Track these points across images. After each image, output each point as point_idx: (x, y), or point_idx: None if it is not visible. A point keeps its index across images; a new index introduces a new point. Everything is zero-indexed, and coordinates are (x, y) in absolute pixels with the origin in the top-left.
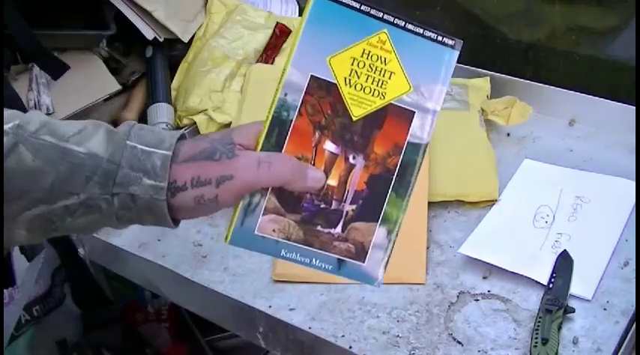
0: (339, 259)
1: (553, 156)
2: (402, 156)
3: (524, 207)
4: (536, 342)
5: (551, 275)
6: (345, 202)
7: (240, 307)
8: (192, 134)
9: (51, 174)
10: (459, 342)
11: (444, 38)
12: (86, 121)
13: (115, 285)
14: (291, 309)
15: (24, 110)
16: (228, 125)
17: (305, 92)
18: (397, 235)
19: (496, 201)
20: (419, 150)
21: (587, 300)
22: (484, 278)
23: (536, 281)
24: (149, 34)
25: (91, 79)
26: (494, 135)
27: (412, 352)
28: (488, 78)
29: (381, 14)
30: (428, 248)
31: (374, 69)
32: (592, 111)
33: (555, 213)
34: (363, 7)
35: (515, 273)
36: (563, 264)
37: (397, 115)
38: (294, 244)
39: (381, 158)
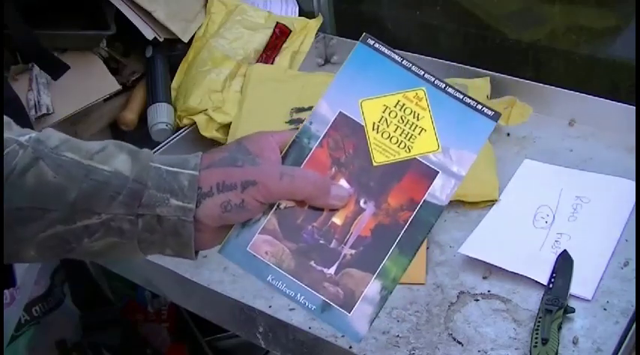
0: (324, 301)
1: (553, 156)
2: (415, 213)
3: (524, 207)
4: (536, 342)
5: (551, 275)
6: (345, 244)
7: (240, 307)
8: (192, 134)
9: (73, 191)
10: (459, 342)
11: (484, 108)
12: (106, 141)
13: (115, 285)
14: (291, 309)
15: (23, 110)
16: (228, 125)
17: (330, 126)
18: (390, 294)
19: (496, 201)
20: (435, 211)
21: (587, 300)
22: (484, 278)
23: (536, 281)
24: (149, 34)
25: (91, 79)
26: (494, 135)
27: (412, 352)
28: (489, 78)
29: (422, 72)
30: (428, 248)
31: (405, 121)
32: (592, 111)
33: (555, 213)
34: (404, 62)
35: (515, 273)
36: (563, 264)
37: (419, 172)
38: (283, 273)
39: (393, 210)
